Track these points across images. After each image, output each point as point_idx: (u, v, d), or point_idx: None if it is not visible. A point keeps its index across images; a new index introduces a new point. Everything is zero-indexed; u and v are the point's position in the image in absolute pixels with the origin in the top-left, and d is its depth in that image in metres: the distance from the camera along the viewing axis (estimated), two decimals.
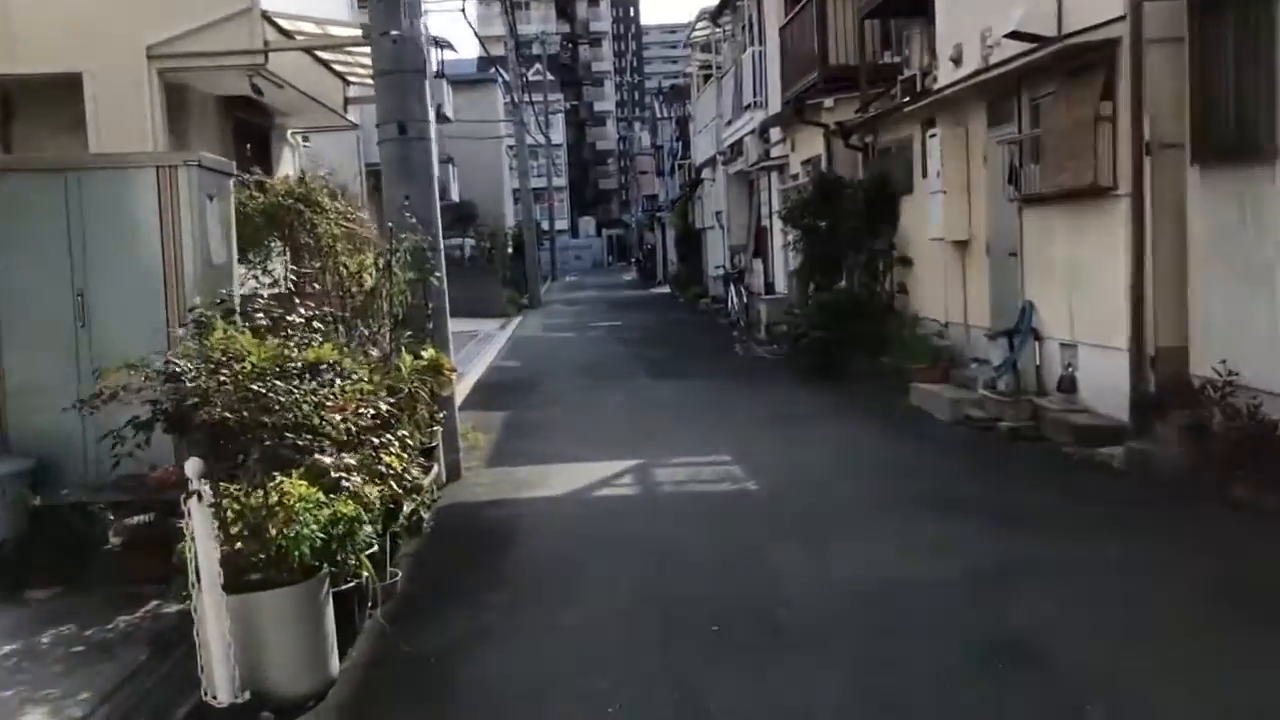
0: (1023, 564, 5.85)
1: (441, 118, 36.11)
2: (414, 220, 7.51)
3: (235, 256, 6.88)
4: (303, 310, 5.75)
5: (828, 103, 16.85)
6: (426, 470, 7.35)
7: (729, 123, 24.28)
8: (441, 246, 8.39)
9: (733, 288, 22.59)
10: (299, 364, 4.15)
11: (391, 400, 5.98)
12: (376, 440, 5.82)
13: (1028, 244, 10.73)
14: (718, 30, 25.68)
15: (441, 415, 8.07)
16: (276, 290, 6.74)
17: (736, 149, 23.76)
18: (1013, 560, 5.92)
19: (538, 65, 59.86)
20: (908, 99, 13.26)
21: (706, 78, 28.80)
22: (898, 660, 4.60)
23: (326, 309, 6.58)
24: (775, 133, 20.46)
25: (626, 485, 8.25)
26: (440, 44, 39.38)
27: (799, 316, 15.35)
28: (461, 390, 13.95)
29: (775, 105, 20.00)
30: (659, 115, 48.67)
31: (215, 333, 4.16)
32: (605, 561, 6.18)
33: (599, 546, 6.51)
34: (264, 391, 3.94)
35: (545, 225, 59.25)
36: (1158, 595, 5.32)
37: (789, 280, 19.13)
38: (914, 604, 5.28)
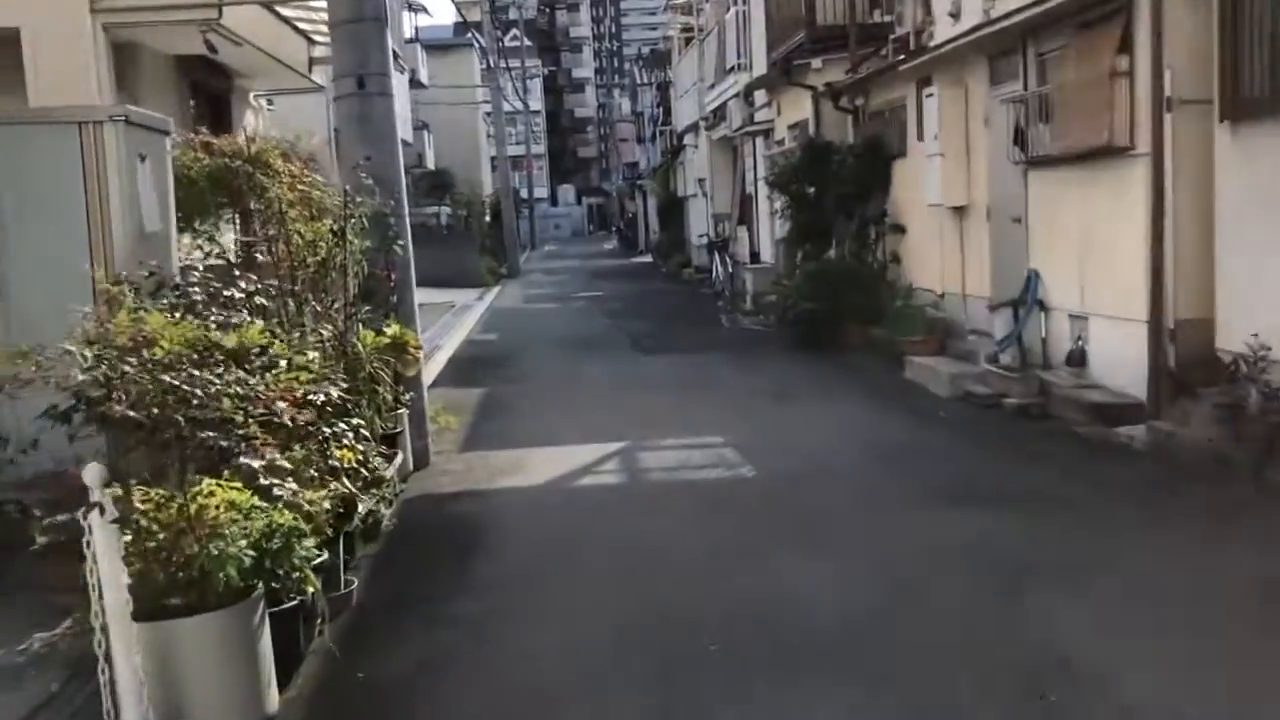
0: (1052, 564, 5.24)
1: (416, 83, 35.19)
2: (370, 182, 6.79)
3: (174, 224, 6.16)
4: (243, 284, 5.06)
5: (816, 64, 16.12)
6: (389, 459, 6.68)
7: (711, 86, 23.51)
8: (406, 212, 7.67)
9: (717, 257, 21.90)
10: (223, 349, 3.46)
11: (346, 385, 5.30)
12: (328, 430, 5.15)
13: (1033, 209, 10.09)
14: None
15: (408, 397, 7.40)
16: (219, 261, 6.00)
17: (720, 114, 22.99)
18: (1040, 560, 5.31)
19: (515, 30, 58.69)
20: (902, 57, 12.56)
21: (688, 41, 27.96)
22: (927, 692, 3.99)
23: (273, 282, 5.88)
24: (760, 96, 19.71)
25: (611, 472, 7.59)
26: (414, 7, 38.41)
27: (788, 287, 14.70)
28: (435, 366, 13.26)
29: (760, 67, 19.26)
30: (639, 81, 47.74)
31: (121, 313, 3.47)
32: (589, 565, 5.52)
33: (582, 546, 5.84)
34: (177, 383, 3.26)
35: (524, 193, 58.30)
36: (1212, 600, 4.72)
37: (776, 249, 18.48)
38: (935, 616, 4.66)
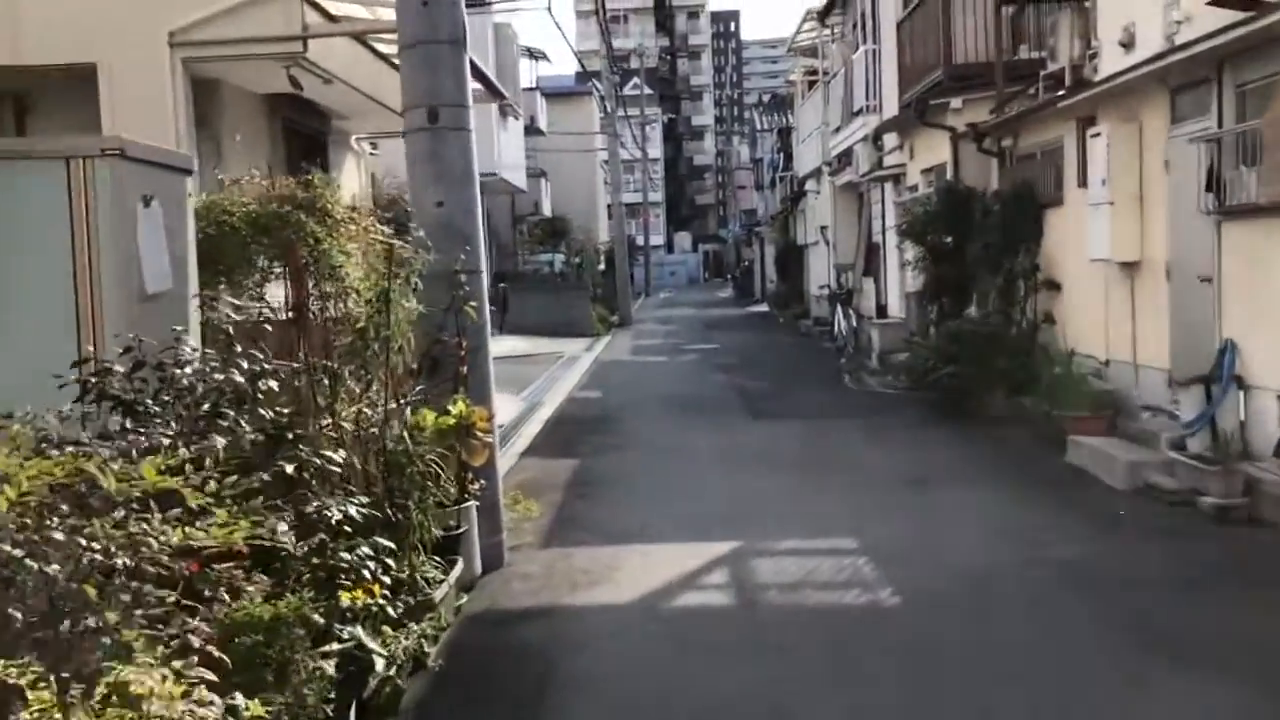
0: None
1: (534, 130, 34.64)
2: (422, 233, 5.56)
3: (192, 282, 5.03)
4: (244, 362, 3.85)
5: (955, 103, 14.56)
6: (447, 568, 5.40)
7: (836, 130, 22.06)
8: (483, 267, 6.44)
9: (840, 309, 20.32)
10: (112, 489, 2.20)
11: (370, 496, 4.03)
12: (348, 557, 3.88)
13: (1229, 267, 8.36)
14: (825, 31, 23.46)
15: (478, 486, 6.11)
16: (229, 326, 4.80)
17: (845, 159, 21.51)
18: None
19: (635, 79, 58.23)
20: (1061, 93, 10.94)
21: (811, 84, 26.61)
22: None
23: (301, 357, 4.68)
24: (890, 139, 18.19)
25: (719, 588, 6.13)
26: (534, 55, 38.03)
27: (924, 347, 13.08)
28: (533, 427, 12.05)
29: (891, 109, 17.78)
30: (759, 127, 46.50)
31: None
32: None
33: (681, 712, 4.40)
34: (20, 553, 2.01)
35: (640, 240, 57.49)
36: None
37: (905, 303, 16.86)
38: None
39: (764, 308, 37.29)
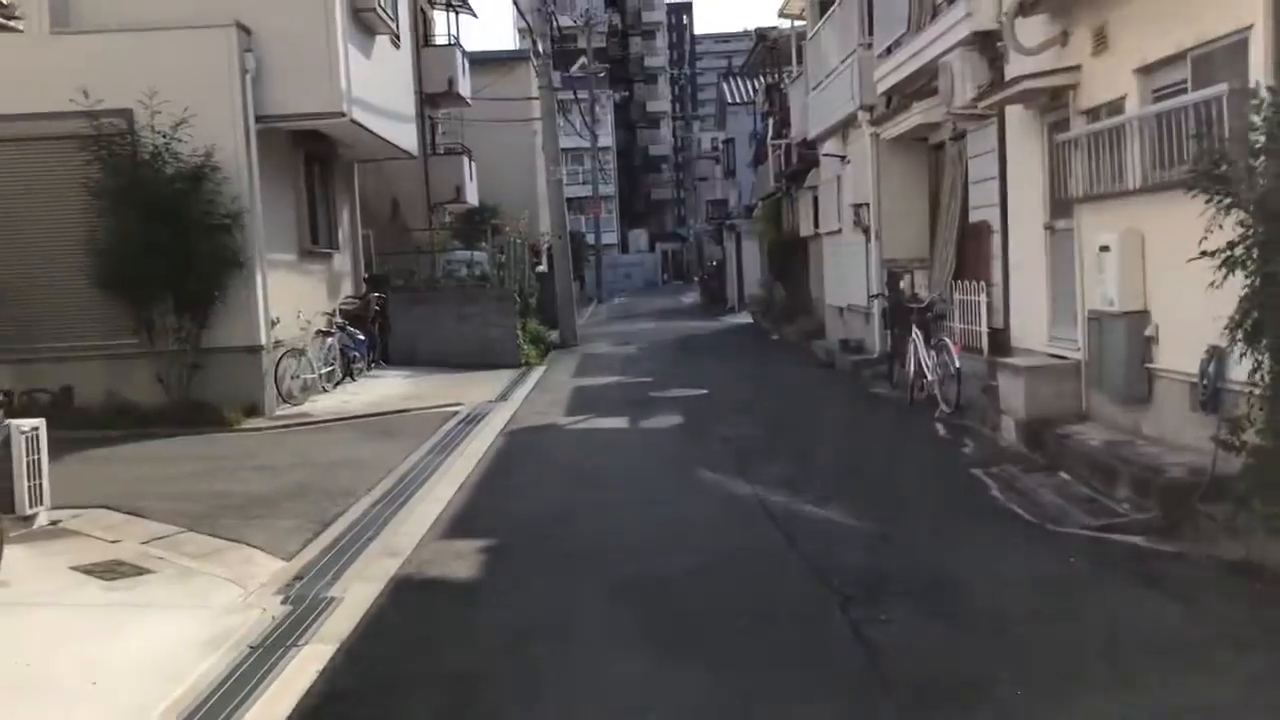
0: None
1: (455, 98, 25.87)
2: None
3: None
4: None
5: None
6: None
7: (888, 51, 13.46)
8: None
9: (917, 336, 11.65)
10: None
11: None
12: None
13: None
14: None
15: None
16: None
17: (913, 88, 12.89)
18: None
19: (583, 59, 49.48)
20: None
21: (825, 5, 18.02)
22: None
23: None
24: (1033, 30, 9.61)
25: None
26: (454, 6, 29.27)
27: None
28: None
29: None
30: (728, 100, 37.95)
31: None
32: None
33: None
34: None
35: (591, 238, 48.80)
36: None
37: (1096, 330, 8.29)
38: None
39: (745, 318, 28.73)
